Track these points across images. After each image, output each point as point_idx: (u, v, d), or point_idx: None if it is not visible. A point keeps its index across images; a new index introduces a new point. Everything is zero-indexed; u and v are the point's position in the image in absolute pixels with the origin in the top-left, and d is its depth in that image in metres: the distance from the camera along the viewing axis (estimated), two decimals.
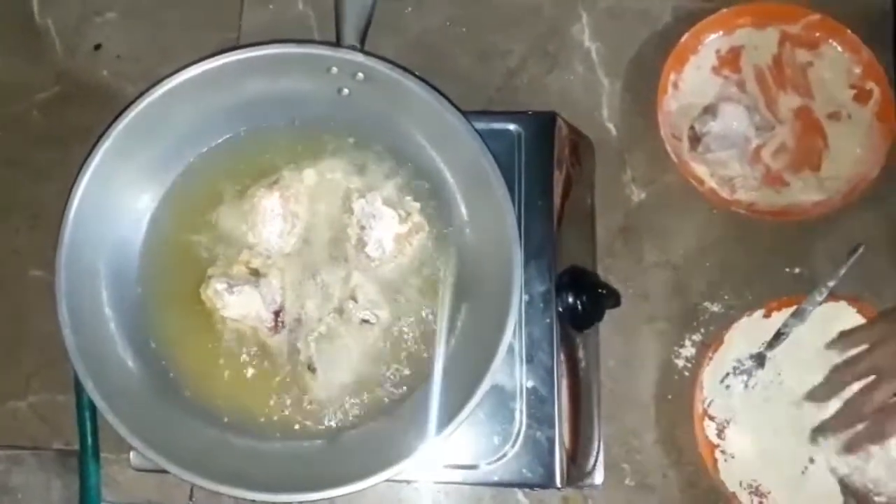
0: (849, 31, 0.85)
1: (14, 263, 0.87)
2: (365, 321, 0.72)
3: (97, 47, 0.93)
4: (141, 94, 0.69)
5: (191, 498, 0.81)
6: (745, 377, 0.80)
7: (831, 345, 0.79)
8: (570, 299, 0.73)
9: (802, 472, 0.78)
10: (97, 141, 0.69)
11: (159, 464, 0.65)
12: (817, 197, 0.83)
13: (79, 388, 0.81)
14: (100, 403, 0.66)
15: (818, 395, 0.78)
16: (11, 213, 0.89)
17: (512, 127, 0.76)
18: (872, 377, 0.75)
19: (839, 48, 0.86)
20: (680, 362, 0.82)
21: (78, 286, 0.68)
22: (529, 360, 0.71)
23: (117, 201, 0.72)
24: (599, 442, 0.79)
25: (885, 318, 0.78)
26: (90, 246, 0.70)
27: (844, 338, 0.78)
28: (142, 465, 0.71)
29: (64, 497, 0.83)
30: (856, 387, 0.76)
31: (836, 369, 0.78)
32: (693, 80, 0.87)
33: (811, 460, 0.78)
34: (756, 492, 0.77)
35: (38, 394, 0.85)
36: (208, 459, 0.68)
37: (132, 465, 0.72)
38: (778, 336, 0.80)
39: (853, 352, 0.77)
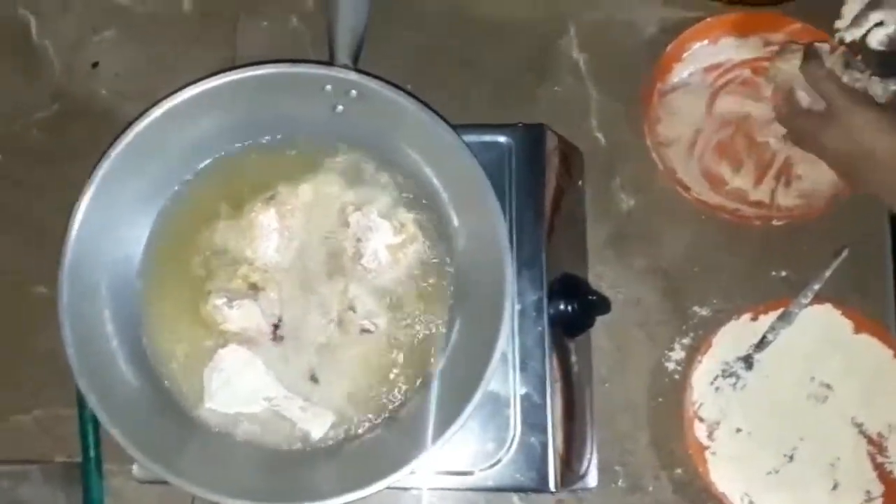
0: (830, 37, 0.87)
1: (18, 280, 0.88)
2: (365, 330, 0.74)
3: (95, 65, 0.94)
4: (140, 115, 0.70)
5: None
6: (733, 379, 0.82)
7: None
8: (562, 307, 0.75)
9: (790, 471, 0.80)
10: (98, 161, 0.69)
11: (161, 476, 0.67)
12: (802, 201, 0.85)
13: (81, 402, 0.82)
14: (102, 417, 0.67)
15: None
16: (14, 231, 0.90)
17: (502, 139, 0.77)
18: None
19: None
20: (670, 365, 0.84)
21: (80, 304, 0.69)
22: (523, 367, 0.73)
23: (117, 220, 0.73)
24: (593, 445, 0.81)
25: None
26: (91, 264, 0.70)
27: None
28: (145, 477, 0.73)
29: None
30: None
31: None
32: None
33: (798, 459, 0.80)
34: (745, 492, 0.79)
35: (42, 408, 0.86)
36: (210, 471, 0.69)
37: (135, 477, 0.73)
38: (765, 339, 0.81)
39: None
